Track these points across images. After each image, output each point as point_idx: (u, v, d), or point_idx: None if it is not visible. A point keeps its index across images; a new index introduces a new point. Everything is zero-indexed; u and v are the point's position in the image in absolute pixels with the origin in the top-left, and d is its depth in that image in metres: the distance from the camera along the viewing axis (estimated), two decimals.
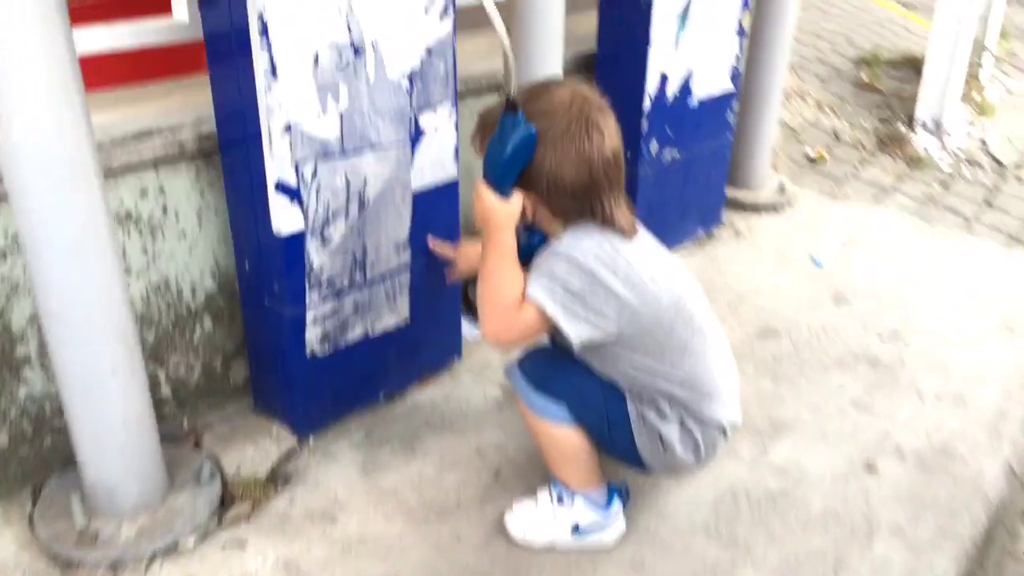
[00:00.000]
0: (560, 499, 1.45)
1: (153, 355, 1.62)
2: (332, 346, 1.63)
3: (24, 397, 1.48)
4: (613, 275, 1.29)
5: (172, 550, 1.40)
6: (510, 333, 1.34)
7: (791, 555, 1.46)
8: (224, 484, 1.53)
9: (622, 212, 1.33)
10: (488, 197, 1.32)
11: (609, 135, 1.30)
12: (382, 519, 1.50)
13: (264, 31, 1.34)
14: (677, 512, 1.54)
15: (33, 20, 1.13)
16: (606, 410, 1.38)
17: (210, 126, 1.57)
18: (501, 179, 1.31)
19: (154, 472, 1.46)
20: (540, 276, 1.30)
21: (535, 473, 1.58)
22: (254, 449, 1.63)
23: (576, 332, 1.30)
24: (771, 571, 1.42)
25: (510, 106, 1.28)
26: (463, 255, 1.71)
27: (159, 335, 1.62)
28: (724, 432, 1.40)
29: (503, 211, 1.33)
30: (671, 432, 1.36)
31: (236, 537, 1.45)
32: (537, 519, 1.46)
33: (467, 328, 1.95)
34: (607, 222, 1.32)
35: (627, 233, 1.33)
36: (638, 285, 1.30)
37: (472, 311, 2.05)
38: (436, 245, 1.71)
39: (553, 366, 1.43)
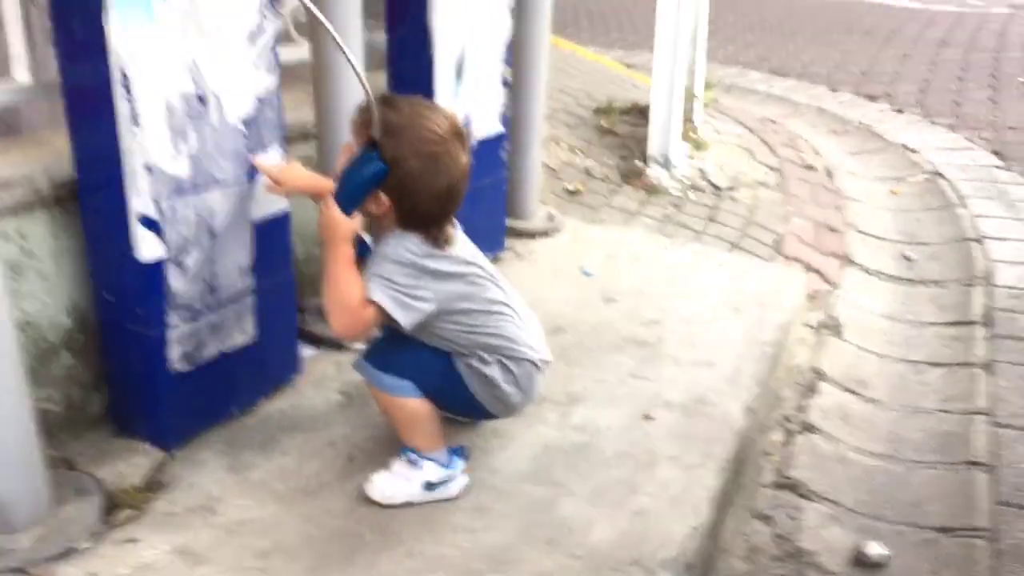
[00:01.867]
0: (412, 463, 1.74)
1: None
2: (191, 364, 1.82)
3: None
4: (427, 263, 1.63)
5: (70, 553, 1.54)
6: (356, 328, 1.65)
7: (598, 485, 1.83)
8: (105, 495, 1.68)
9: (447, 230, 1.68)
10: (335, 211, 1.61)
11: (466, 165, 1.65)
12: (256, 505, 1.71)
13: (126, 84, 1.56)
14: (505, 467, 1.87)
15: None
16: (441, 371, 1.71)
17: (62, 175, 1.74)
18: (351, 202, 1.61)
19: (42, 487, 1.59)
20: (374, 278, 1.62)
21: (383, 453, 1.85)
22: (125, 465, 1.78)
23: (406, 319, 1.63)
24: (584, 498, 1.78)
25: (372, 144, 1.58)
26: (289, 173, 1.85)
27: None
28: (537, 366, 1.78)
29: (347, 225, 1.63)
30: (494, 372, 1.71)
31: (127, 536, 1.60)
32: (393, 482, 1.74)
33: (303, 349, 2.19)
34: (434, 239, 1.65)
35: (444, 247, 1.67)
36: (445, 267, 1.66)
37: (305, 337, 2.29)
38: (259, 162, 1.85)
39: (391, 350, 1.74)
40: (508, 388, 1.74)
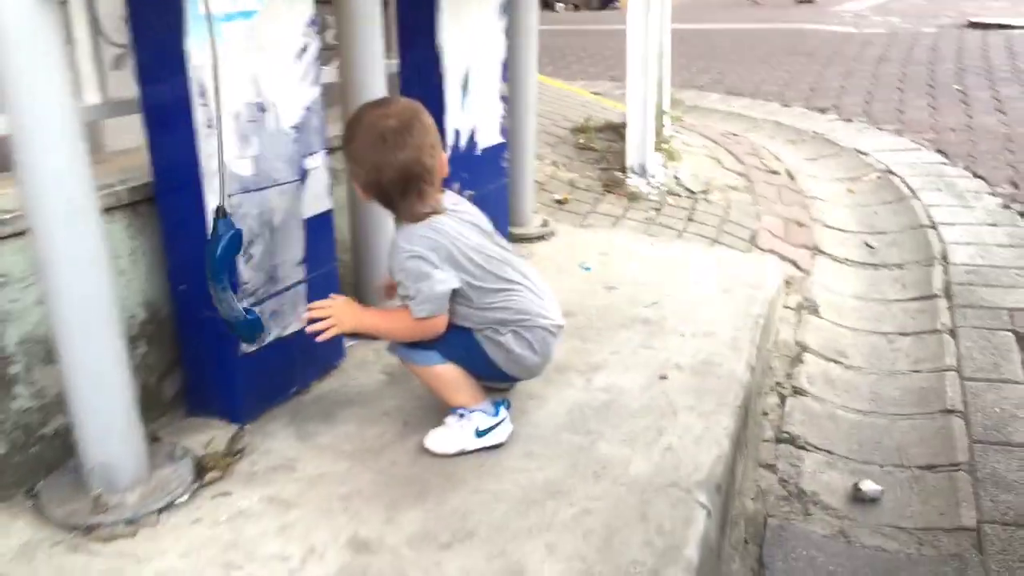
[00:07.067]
0: (461, 416, 1.95)
1: None
2: (257, 345, 2.03)
3: (15, 411, 1.74)
4: (433, 254, 1.86)
5: (172, 506, 1.73)
6: (430, 335, 1.91)
7: (628, 431, 2.05)
8: (194, 460, 1.86)
9: (429, 203, 1.90)
10: (345, 318, 1.92)
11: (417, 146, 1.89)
12: (330, 462, 1.91)
13: (203, 94, 1.79)
14: (544, 422, 2.08)
15: (58, 105, 1.52)
16: (462, 343, 1.94)
17: (136, 182, 1.95)
18: (217, 278, 1.80)
19: (143, 452, 1.77)
20: (409, 301, 1.87)
21: (433, 417, 2.04)
22: (204, 437, 1.97)
23: (444, 306, 1.89)
24: (619, 441, 2.00)
25: (220, 212, 1.78)
26: (341, 314, 1.97)
27: None
28: (551, 331, 2.00)
29: (350, 315, 1.94)
30: (508, 340, 1.94)
31: (220, 491, 1.79)
32: (447, 434, 1.95)
33: (344, 339, 2.40)
34: (421, 214, 1.89)
35: (434, 213, 1.90)
36: (453, 253, 1.88)
37: None
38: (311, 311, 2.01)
39: None
40: (523, 352, 1.96)
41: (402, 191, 1.86)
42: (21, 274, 1.72)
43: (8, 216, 1.69)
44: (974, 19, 11.11)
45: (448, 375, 1.96)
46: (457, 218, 1.95)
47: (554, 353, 2.06)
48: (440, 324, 1.90)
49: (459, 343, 1.94)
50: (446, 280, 1.86)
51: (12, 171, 1.57)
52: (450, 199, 1.99)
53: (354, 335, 2.28)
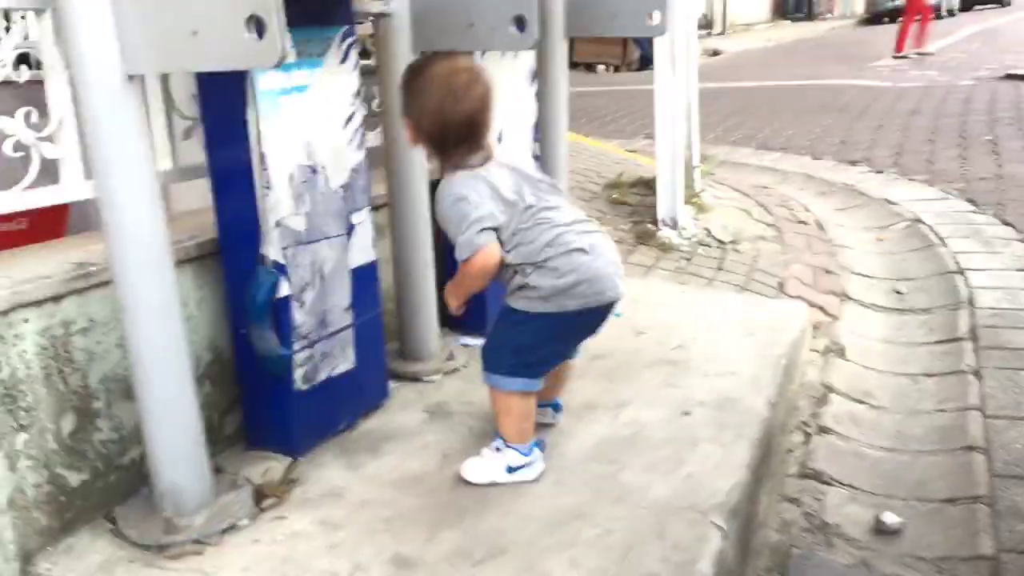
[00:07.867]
0: (497, 449, 2.12)
1: None
2: (309, 384, 2.23)
3: (97, 442, 1.95)
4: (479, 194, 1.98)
5: (234, 528, 1.91)
6: (491, 266, 1.98)
7: (650, 461, 2.20)
8: (253, 488, 2.06)
9: (480, 154, 2.03)
10: (448, 299, 2.12)
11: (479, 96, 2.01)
12: (375, 490, 2.09)
13: (263, 160, 2.02)
14: (570, 454, 2.25)
15: (139, 171, 1.76)
16: (520, 320, 2.06)
17: (203, 238, 2.18)
18: (258, 321, 2.09)
19: (208, 480, 1.97)
20: (457, 243, 1.98)
21: (471, 450, 2.23)
22: (262, 467, 2.16)
23: (488, 237, 1.96)
24: (641, 470, 2.15)
25: (262, 260, 2.05)
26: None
27: None
28: (583, 250, 2.01)
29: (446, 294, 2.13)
30: (532, 278, 2.00)
31: (277, 515, 1.98)
32: (481, 464, 2.12)
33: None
34: (468, 164, 2.02)
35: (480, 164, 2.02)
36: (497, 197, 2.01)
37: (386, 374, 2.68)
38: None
39: (490, 351, 2.12)
40: (568, 279, 1.99)
41: (458, 141, 1.99)
42: (104, 319, 1.95)
43: (95, 268, 1.92)
44: (1012, 71, 11.17)
45: (518, 408, 2.10)
46: (498, 164, 2.05)
47: (604, 269, 2.08)
48: (488, 257, 1.96)
49: (520, 322, 2.05)
50: (486, 217, 1.95)
51: (98, 229, 1.81)
52: (495, 151, 2.09)
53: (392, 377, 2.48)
